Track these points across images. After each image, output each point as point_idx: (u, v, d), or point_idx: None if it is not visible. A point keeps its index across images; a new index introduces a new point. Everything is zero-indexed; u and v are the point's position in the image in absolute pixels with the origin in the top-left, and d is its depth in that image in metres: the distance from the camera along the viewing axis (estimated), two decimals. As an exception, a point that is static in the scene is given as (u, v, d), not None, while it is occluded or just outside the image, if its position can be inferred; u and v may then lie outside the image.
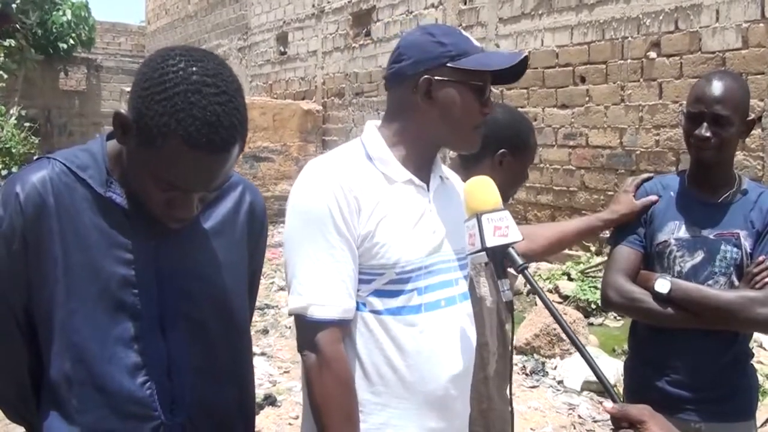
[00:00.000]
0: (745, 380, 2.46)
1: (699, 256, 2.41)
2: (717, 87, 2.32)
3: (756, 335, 6.26)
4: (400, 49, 1.83)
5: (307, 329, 1.70)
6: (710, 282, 2.38)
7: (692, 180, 2.50)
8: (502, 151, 2.41)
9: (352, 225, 1.70)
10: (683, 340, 2.39)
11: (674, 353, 2.42)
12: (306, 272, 1.70)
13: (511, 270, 1.74)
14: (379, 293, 1.75)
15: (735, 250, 2.37)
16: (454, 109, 1.78)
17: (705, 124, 2.31)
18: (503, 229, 1.67)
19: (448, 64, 1.75)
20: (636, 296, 2.41)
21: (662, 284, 2.35)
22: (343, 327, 1.72)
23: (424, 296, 1.77)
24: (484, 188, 1.74)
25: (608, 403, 1.45)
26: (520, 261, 1.66)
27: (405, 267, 1.74)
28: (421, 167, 1.85)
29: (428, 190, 1.85)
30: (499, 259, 1.68)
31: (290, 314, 1.77)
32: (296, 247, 1.72)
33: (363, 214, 1.72)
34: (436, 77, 1.76)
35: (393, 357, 1.74)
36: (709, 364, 2.39)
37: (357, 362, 1.75)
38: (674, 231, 2.45)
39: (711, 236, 2.40)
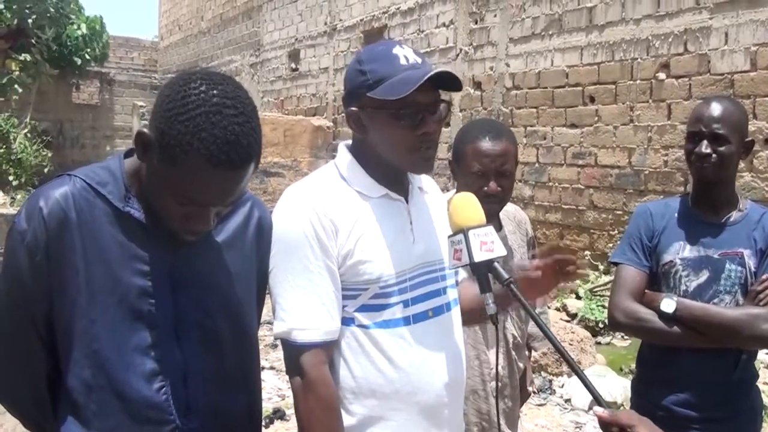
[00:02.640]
0: (750, 401, 2.50)
1: (704, 276, 2.45)
2: (715, 108, 2.42)
3: (760, 356, 6.26)
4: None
5: (291, 353, 1.74)
6: (715, 300, 2.42)
7: (696, 200, 2.56)
8: (449, 160, 2.50)
9: (330, 247, 1.74)
10: (688, 360, 2.42)
11: (680, 373, 2.45)
12: (287, 298, 1.74)
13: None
14: (365, 308, 1.78)
15: (739, 269, 2.41)
16: (382, 136, 1.78)
17: (705, 142, 2.40)
18: (489, 244, 1.67)
19: (368, 94, 1.74)
20: (642, 316, 2.44)
21: (668, 304, 2.39)
22: (327, 348, 1.75)
23: (410, 308, 1.80)
24: (468, 204, 1.75)
25: (599, 409, 1.47)
26: (505, 275, 1.67)
27: (388, 281, 1.77)
28: (396, 181, 1.86)
29: (407, 202, 1.87)
30: (484, 274, 1.68)
31: (275, 339, 1.81)
32: (277, 273, 1.77)
33: (341, 234, 1.75)
34: (360, 108, 1.78)
35: (385, 370, 1.77)
36: (713, 384, 2.41)
37: (350, 377, 1.78)
38: (679, 251, 2.49)
39: (715, 255, 2.44)
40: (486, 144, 2.40)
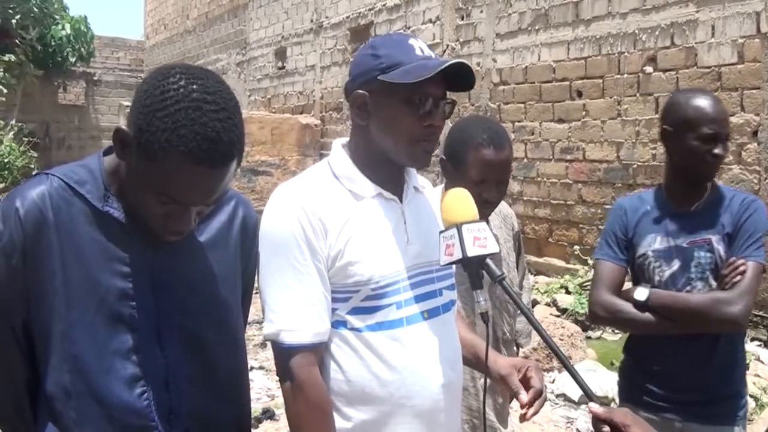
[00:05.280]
0: (733, 386, 2.56)
1: (676, 265, 2.53)
2: (721, 109, 2.48)
3: (754, 349, 6.27)
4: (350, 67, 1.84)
5: (280, 355, 1.71)
6: (688, 288, 2.51)
7: (672, 193, 2.62)
8: (441, 158, 2.46)
9: (318, 248, 1.71)
10: (668, 347, 2.50)
11: (661, 359, 2.54)
12: (275, 299, 1.71)
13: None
14: (357, 310, 1.74)
15: (708, 255, 2.49)
16: (387, 123, 1.75)
17: (722, 144, 2.45)
18: (482, 240, 1.65)
19: (379, 77, 1.71)
20: (619, 308, 2.53)
21: (641, 293, 2.49)
22: (317, 350, 1.72)
23: (404, 310, 1.76)
24: (462, 200, 1.73)
25: (594, 405, 1.46)
26: (498, 272, 1.65)
27: (380, 282, 1.73)
28: (391, 180, 1.83)
29: (401, 201, 1.84)
30: (475, 270, 1.67)
31: (266, 340, 1.78)
32: (266, 274, 1.74)
33: (330, 235, 1.72)
34: (368, 91, 1.75)
35: (379, 372, 1.74)
36: (692, 369, 2.49)
37: (343, 380, 1.75)
38: (651, 243, 2.58)
39: (684, 244, 2.53)
40: (490, 153, 2.36)
